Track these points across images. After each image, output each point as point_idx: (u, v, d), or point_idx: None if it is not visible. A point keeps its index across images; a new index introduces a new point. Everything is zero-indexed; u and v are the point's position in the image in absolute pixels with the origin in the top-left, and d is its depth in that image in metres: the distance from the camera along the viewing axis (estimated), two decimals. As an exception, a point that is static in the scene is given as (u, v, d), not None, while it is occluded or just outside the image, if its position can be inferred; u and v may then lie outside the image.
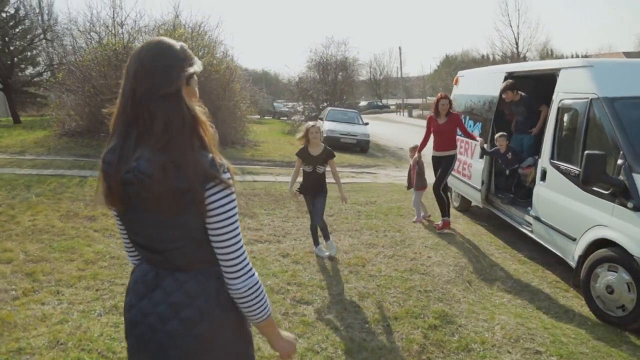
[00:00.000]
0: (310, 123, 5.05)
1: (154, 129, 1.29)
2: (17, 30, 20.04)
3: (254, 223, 6.30)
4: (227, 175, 1.36)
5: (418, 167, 6.60)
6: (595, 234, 4.16)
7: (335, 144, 16.57)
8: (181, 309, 1.44)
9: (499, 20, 45.37)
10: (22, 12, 21.02)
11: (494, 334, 3.61)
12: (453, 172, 7.46)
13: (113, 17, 13.58)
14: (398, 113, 47.30)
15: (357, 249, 5.51)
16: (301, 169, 5.05)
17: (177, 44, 1.41)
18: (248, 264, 1.39)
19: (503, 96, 6.09)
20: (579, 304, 4.34)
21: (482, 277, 4.87)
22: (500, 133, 6.16)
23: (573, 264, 4.46)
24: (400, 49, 67.61)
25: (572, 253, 4.47)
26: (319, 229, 5.16)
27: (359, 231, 6.26)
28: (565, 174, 4.65)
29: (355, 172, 12.21)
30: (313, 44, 37.18)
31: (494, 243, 6.05)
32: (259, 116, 34.23)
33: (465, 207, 7.58)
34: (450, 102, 6.20)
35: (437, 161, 6.34)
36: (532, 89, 6.41)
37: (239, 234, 1.38)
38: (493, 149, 6.25)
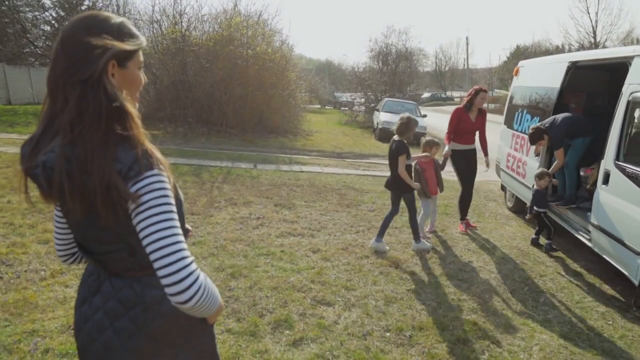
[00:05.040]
0: None
1: (65, 118, 1.12)
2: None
3: (290, 215, 6.15)
4: (148, 179, 1.12)
5: (440, 165, 5.91)
6: (664, 249, 3.60)
7: (391, 135, 16.10)
8: (116, 318, 1.30)
9: (574, 7, 41.92)
10: (99, 4, 22.10)
11: (531, 356, 3.21)
12: (507, 170, 6.92)
13: (173, 7, 13.93)
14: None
15: (393, 248, 5.20)
16: None
17: (116, 19, 1.20)
18: (184, 272, 1.10)
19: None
20: (640, 328, 3.80)
21: (528, 287, 4.40)
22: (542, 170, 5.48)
23: (636, 282, 3.92)
24: (467, 39, 64.97)
25: (636, 269, 3.92)
26: None
27: (398, 229, 5.93)
28: (633, 178, 4.07)
29: (407, 166, 11.74)
30: (373, 32, 36.32)
31: (548, 250, 5.49)
32: (319, 106, 34.26)
33: (519, 208, 6.98)
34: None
35: (465, 155, 5.97)
36: (603, 83, 5.71)
37: (169, 245, 1.11)
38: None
